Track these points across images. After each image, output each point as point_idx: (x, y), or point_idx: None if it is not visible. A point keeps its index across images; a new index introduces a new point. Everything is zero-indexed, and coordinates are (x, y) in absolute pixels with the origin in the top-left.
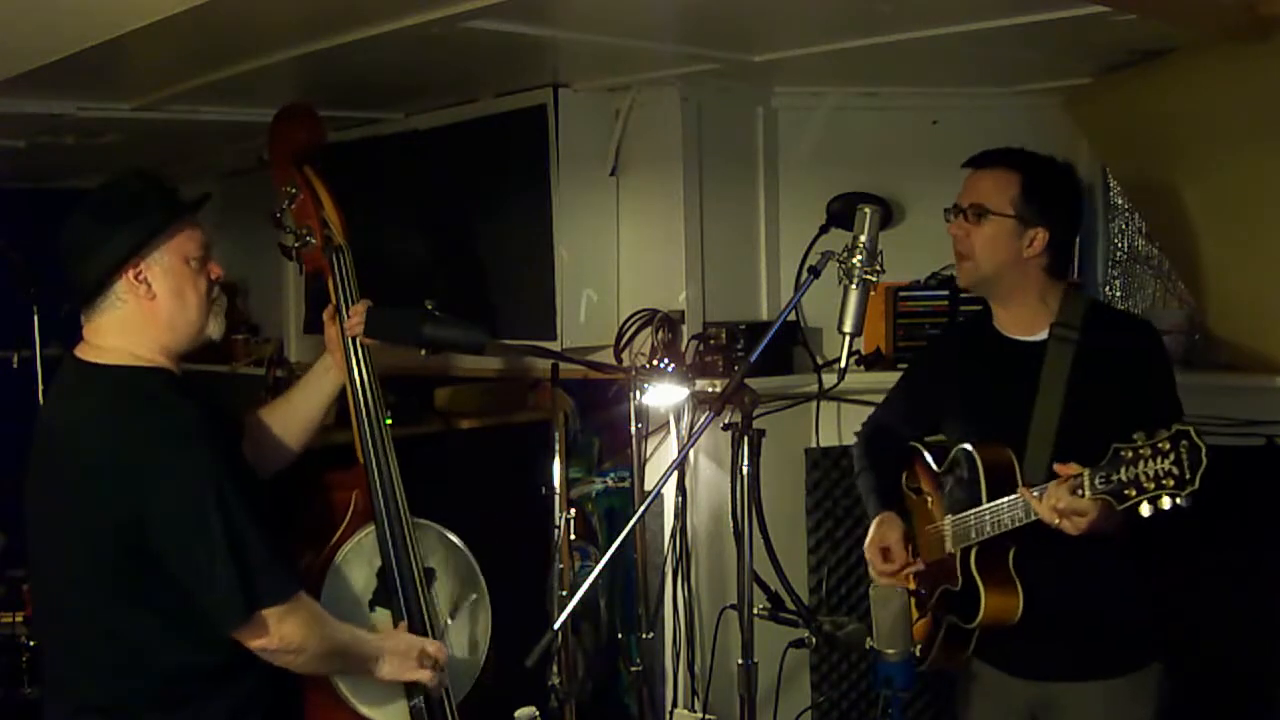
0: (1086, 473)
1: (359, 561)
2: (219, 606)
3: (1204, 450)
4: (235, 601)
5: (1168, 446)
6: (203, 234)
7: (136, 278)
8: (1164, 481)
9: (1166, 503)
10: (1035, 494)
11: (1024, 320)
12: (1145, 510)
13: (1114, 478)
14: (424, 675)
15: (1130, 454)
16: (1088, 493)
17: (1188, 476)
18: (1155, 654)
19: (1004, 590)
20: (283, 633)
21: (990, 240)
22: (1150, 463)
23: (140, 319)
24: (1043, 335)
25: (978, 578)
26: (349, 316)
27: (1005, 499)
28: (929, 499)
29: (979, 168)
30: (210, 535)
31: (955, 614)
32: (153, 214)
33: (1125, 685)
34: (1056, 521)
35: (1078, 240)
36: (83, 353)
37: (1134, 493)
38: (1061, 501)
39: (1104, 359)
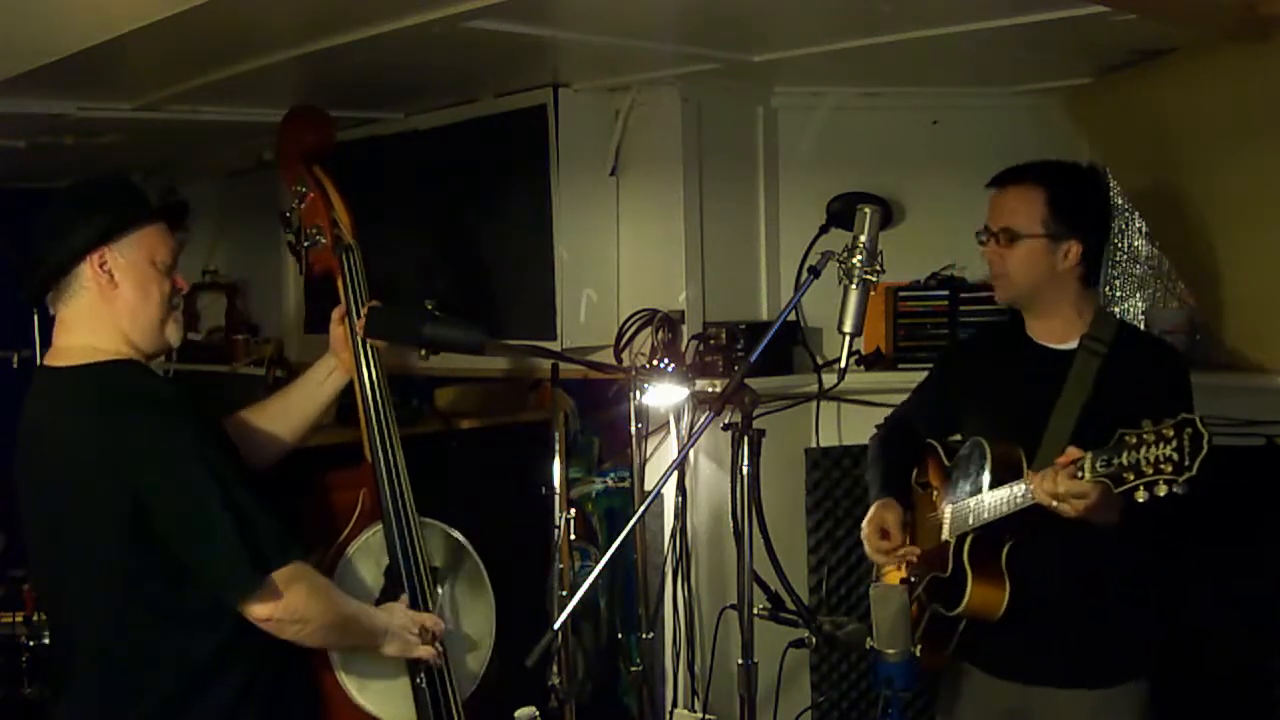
0: (1089, 455)
1: (367, 560)
2: (226, 573)
3: (1206, 438)
4: (242, 565)
5: (1171, 433)
6: (174, 243)
7: (100, 266)
8: (1163, 467)
9: (1163, 490)
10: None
11: (1056, 330)
12: (1141, 496)
13: (1115, 461)
14: (425, 651)
15: (1134, 439)
16: (1088, 475)
17: (1187, 463)
18: (1145, 668)
19: (992, 582)
20: (289, 600)
21: (1024, 261)
22: (1152, 448)
23: (102, 308)
24: (1072, 345)
25: (967, 566)
26: (360, 317)
27: (1004, 486)
28: (935, 492)
29: (1003, 186)
30: (209, 505)
31: (940, 601)
32: (124, 207)
33: (1109, 697)
34: (1053, 504)
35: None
36: (51, 359)
37: (1132, 477)
38: (1061, 485)
39: (1128, 376)
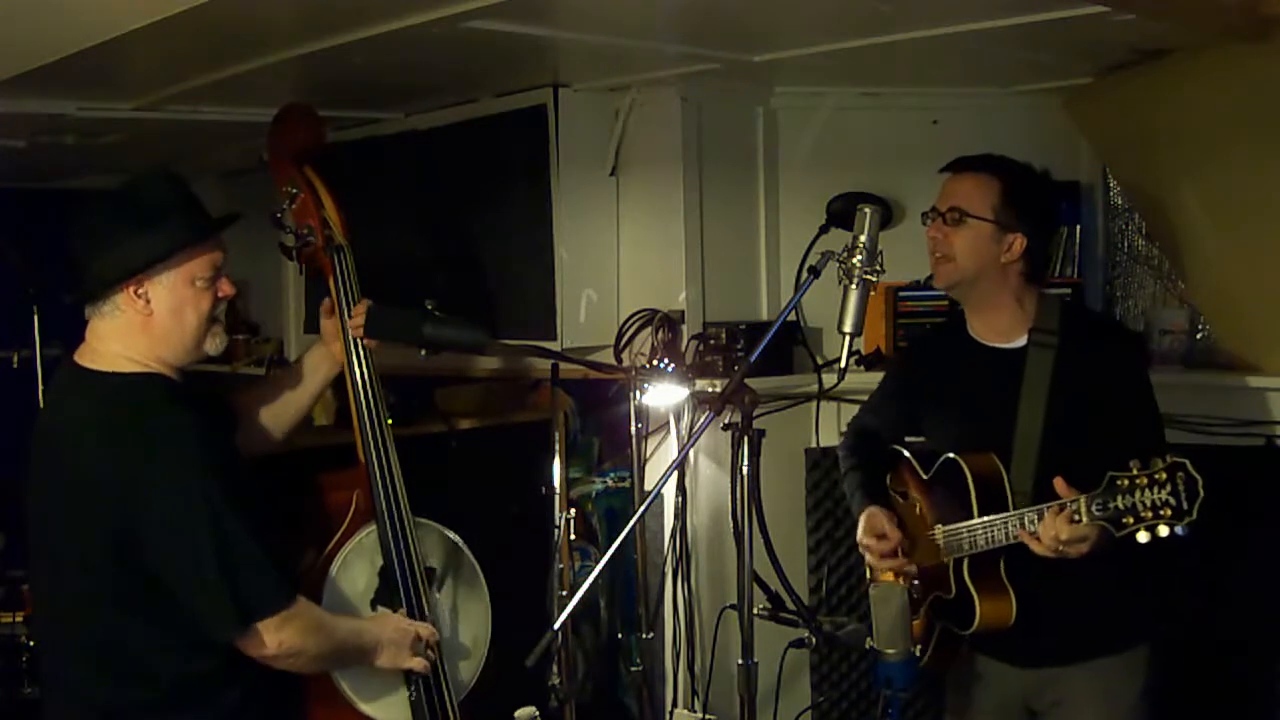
0: (1083, 499)
1: (360, 561)
2: (211, 619)
3: (1200, 483)
4: (228, 615)
5: (1164, 477)
6: (218, 254)
7: (136, 293)
8: (1162, 511)
9: (1164, 531)
10: (1030, 529)
11: (1001, 327)
12: (1143, 537)
13: (1111, 505)
14: (418, 663)
15: (1126, 483)
16: (1085, 519)
17: (1185, 508)
18: (1146, 635)
19: (997, 597)
20: (282, 639)
21: (969, 244)
22: (1147, 492)
23: (136, 329)
24: (1021, 342)
25: (971, 588)
26: (350, 316)
27: (998, 517)
28: (916, 504)
29: (958, 173)
30: (201, 548)
31: (950, 620)
32: (169, 234)
33: (1115, 663)
34: (1058, 550)
35: (1063, 243)
36: (81, 356)
37: (1132, 520)
38: (1064, 533)
39: (1083, 364)
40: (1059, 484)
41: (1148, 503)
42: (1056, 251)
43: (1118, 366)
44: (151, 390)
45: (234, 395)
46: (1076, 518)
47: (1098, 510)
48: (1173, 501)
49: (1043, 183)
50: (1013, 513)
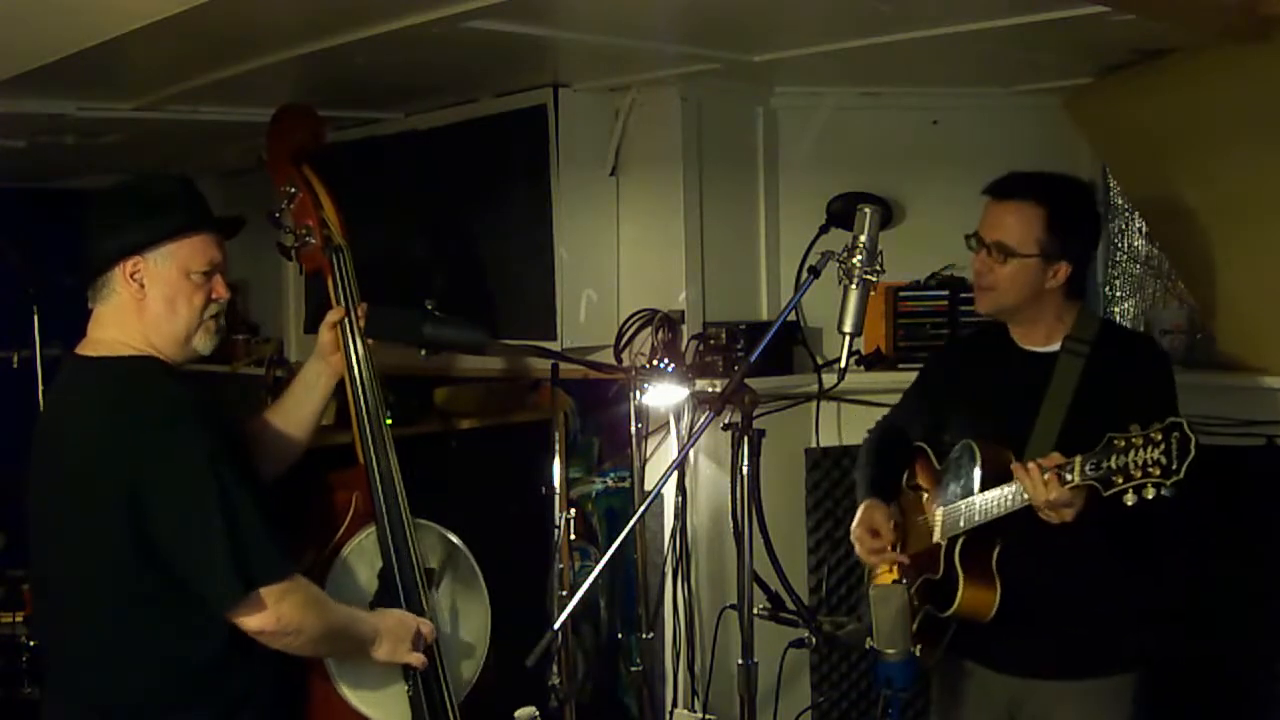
0: (1078, 458)
1: (360, 563)
2: (215, 586)
3: (1193, 441)
4: (231, 580)
5: (1159, 437)
6: (217, 251)
7: (132, 275)
8: (1151, 470)
9: (1151, 492)
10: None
11: (1039, 335)
12: (1130, 499)
13: (1104, 465)
14: (417, 658)
15: (1122, 443)
16: (1077, 477)
17: (1174, 466)
18: (1137, 660)
19: (982, 584)
20: (280, 612)
21: (1014, 278)
22: (1140, 452)
23: (131, 312)
24: (1055, 347)
25: (959, 568)
26: (358, 317)
27: (995, 489)
28: (925, 494)
29: (1001, 198)
30: (206, 513)
31: (932, 603)
32: (168, 218)
33: (1104, 687)
34: (1044, 512)
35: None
36: (81, 349)
37: (1121, 480)
38: (1053, 492)
39: (1111, 374)
40: (1054, 455)
41: (1139, 462)
42: None
43: (1143, 379)
44: (148, 370)
45: (240, 424)
46: (1069, 476)
47: (1090, 470)
48: (1163, 460)
49: (1088, 202)
50: (1009, 483)
